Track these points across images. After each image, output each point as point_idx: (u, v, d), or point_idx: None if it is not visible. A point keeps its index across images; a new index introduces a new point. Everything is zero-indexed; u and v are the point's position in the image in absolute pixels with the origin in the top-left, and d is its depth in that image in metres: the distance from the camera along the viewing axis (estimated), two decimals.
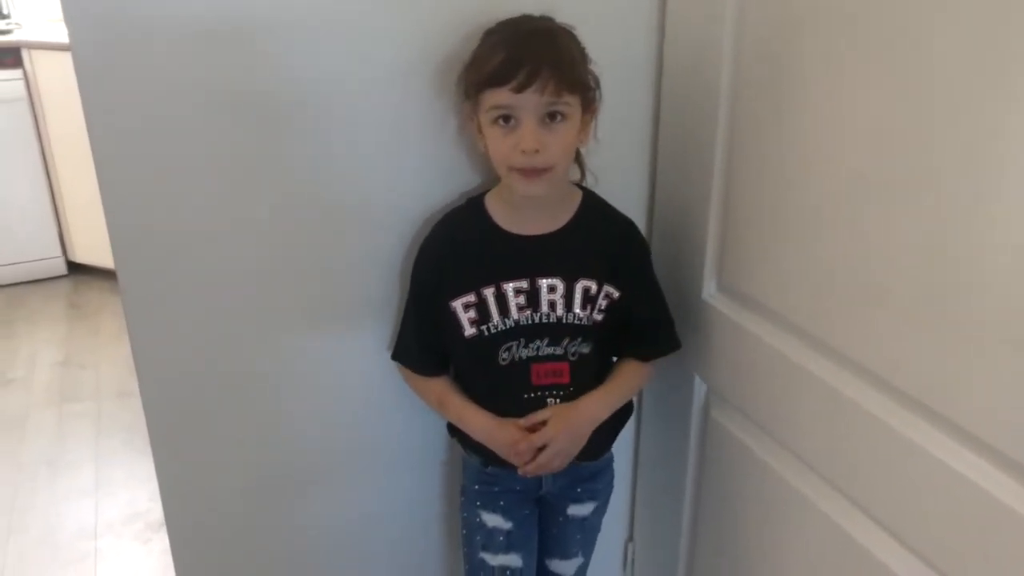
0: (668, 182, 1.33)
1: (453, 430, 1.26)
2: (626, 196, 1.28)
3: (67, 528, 2.19)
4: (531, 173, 1.05)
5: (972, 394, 0.84)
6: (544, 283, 1.12)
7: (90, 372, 2.96)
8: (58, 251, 3.64)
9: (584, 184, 1.21)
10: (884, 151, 0.90)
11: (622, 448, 1.49)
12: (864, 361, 0.98)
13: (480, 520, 1.23)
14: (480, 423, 1.16)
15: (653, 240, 1.35)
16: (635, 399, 1.47)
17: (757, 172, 1.12)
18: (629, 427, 1.49)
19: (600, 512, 1.30)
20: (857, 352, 0.99)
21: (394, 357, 1.24)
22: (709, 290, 1.26)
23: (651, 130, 1.33)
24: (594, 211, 1.17)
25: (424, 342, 1.19)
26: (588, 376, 1.17)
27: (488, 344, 1.13)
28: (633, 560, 1.63)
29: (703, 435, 1.34)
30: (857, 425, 0.99)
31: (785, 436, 1.14)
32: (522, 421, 1.14)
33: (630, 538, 1.63)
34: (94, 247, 3.50)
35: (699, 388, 1.32)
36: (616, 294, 1.15)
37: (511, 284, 1.12)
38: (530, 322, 1.13)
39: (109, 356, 3.05)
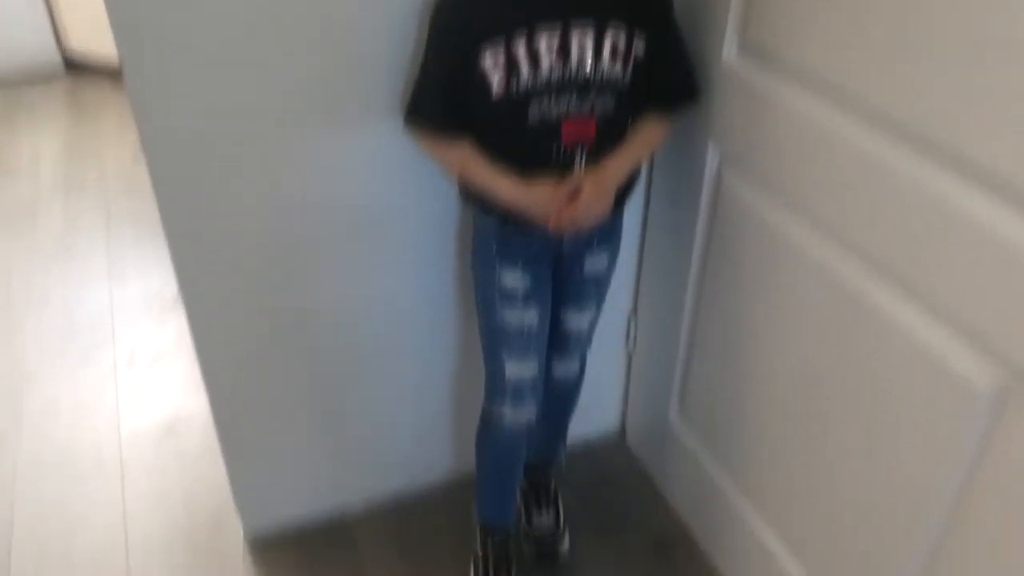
0: None
1: (467, 195, 1.24)
2: None
3: (86, 309, 2.25)
4: None
5: (999, 135, 0.81)
6: (576, 30, 1.07)
7: (95, 165, 2.94)
8: (53, 46, 3.52)
9: None
10: None
11: (632, 219, 1.49)
12: (890, 109, 0.94)
13: (498, 279, 1.24)
14: (510, 187, 1.15)
15: None
16: (645, 171, 1.46)
17: None
18: (639, 197, 1.49)
19: (612, 265, 1.33)
20: (887, 104, 0.95)
21: (412, 118, 1.18)
22: (729, 50, 1.20)
23: None
24: None
25: (448, 99, 1.14)
26: (612, 133, 1.16)
27: (518, 102, 1.09)
28: (635, 333, 1.67)
29: (713, 203, 1.32)
30: (880, 182, 0.97)
31: (801, 200, 1.12)
32: (560, 193, 1.12)
33: (634, 312, 1.66)
34: (89, 38, 3.39)
35: (712, 155, 1.29)
36: (643, 48, 1.12)
37: (544, 32, 1.06)
38: (561, 76, 1.09)
39: (113, 150, 3.01)
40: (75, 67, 3.59)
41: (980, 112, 0.84)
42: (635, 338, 1.67)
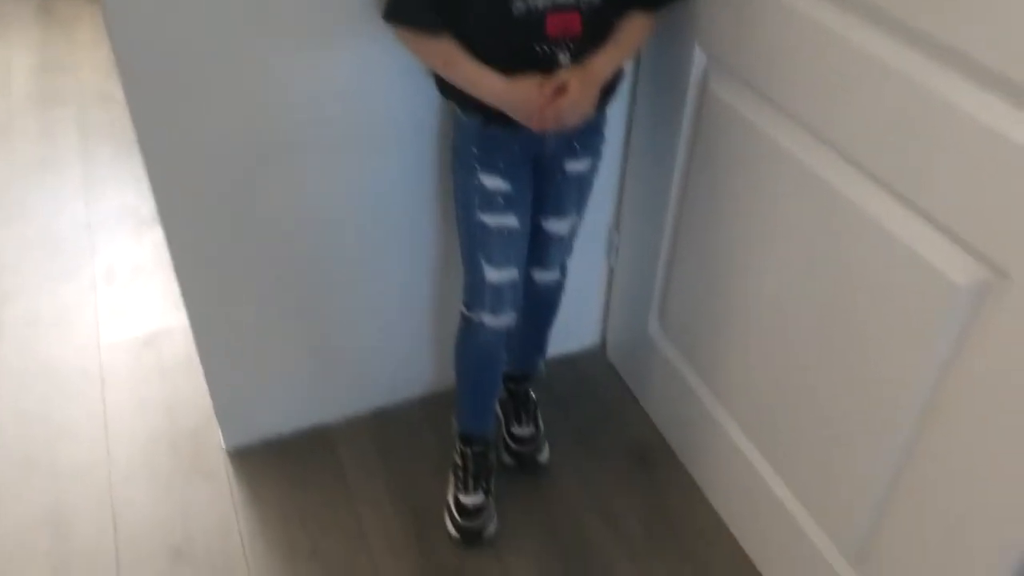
0: None
1: (448, 91, 1.20)
2: None
3: (64, 223, 2.22)
4: None
5: (985, 22, 0.79)
6: None
7: (70, 77, 2.85)
8: None
9: None
10: None
11: (615, 126, 1.46)
12: (880, 4, 0.91)
13: (478, 182, 1.22)
14: (495, 84, 1.12)
15: None
16: (631, 77, 1.42)
17: None
18: (622, 102, 1.46)
19: (594, 169, 1.30)
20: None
21: (393, 15, 1.13)
22: None
23: None
24: None
25: None
26: (597, 29, 1.12)
27: None
28: (618, 246, 1.66)
29: (698, 107, 1.29)
30: (873, 81, 0.94)
31: (787, 101, 1.09)
32: (546, 90, 1.09)
33: (616, 225, 1.64)
34: None
35: (699, 58, 1.26)
36: None
37: None
38: None
39: (88, 62, 2.92)
40: None
41: (967, 3, 0.80)
42: (617, 250, 1.66)
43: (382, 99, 1.30)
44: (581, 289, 1.69)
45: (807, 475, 1.26)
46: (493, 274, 1.28)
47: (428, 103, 1.32)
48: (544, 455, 1.60)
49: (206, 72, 1.18)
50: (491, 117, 1.15)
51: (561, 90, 1.09)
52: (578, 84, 1.10)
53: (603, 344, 1.84)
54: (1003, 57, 0.79)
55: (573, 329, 1.76)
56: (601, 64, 1.13)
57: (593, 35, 1.12)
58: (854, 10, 0.96)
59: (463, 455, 1.50)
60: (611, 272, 1.71)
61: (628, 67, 1.38)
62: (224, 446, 1.63)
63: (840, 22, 0.98)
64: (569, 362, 1.81)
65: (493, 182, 1.21)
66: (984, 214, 0.85)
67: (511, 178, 1.22)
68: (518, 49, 1.09)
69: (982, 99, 0.82)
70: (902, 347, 1.00)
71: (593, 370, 1.81)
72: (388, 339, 1.61)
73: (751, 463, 1.37)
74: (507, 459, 1.59)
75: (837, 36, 0.98)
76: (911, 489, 1.05)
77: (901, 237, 0.96)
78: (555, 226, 1.33)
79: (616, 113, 1.46)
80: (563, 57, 1.10)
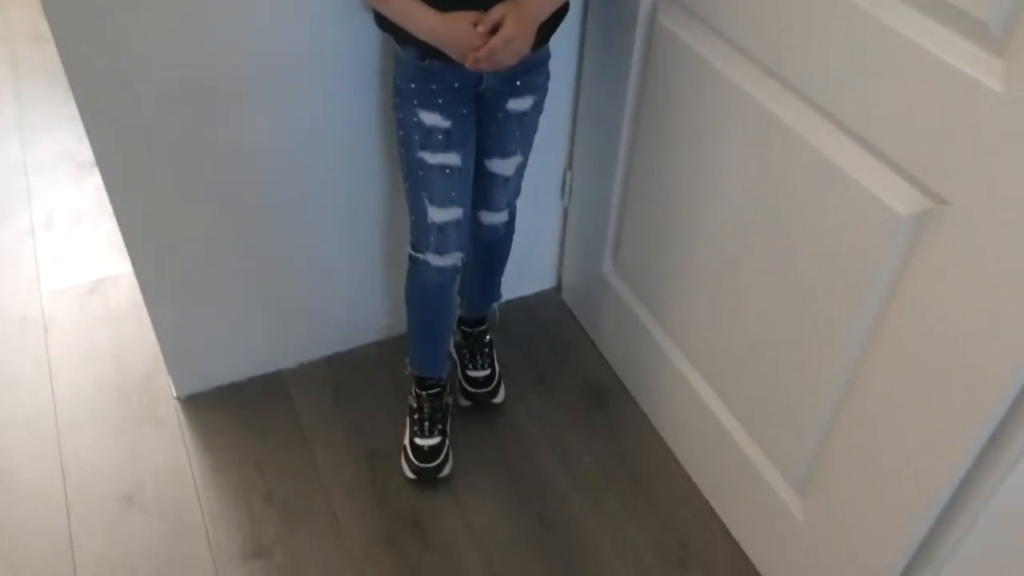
0: None
1: (385, 24, 1.17)
2: None
3: None
4: None
5: None
6: None
7: None
8: None
9: None
10: None
11: (564, 70, 1.44)
12: None
13: (418, 119, 1.19)
14: (427, 18, 1.08)
15: None
16: (579, 17, 1.40)
17: None
18: (572, 42, 1.44)
19: (537, 109, 1.28)
20: None
21: None
22: None
23: None
24: None
25: None
26: None
27: None
28: (571, 187, 1.65)
29: (647, 43, 1.28)
30: (813, 9, 0.93)
31: (734, 34, 1.08)
32: (480, 28, 1.06)
33: (568, 166, 1.63)
34: None
35: None
36: None
37: None
38: None
39: (16, 2, 2.78)
40: None
41: None
42: (570, 191, 1.65)
43: (322, 35, 1.25)
44: (537, 231, 1.68)
45: (755, 409, 1.28)
46: (436, 213, 1.26)
47: (368, 39, 1.28)
48: (500, 397, 1.60)
49: (138, 7, 1.13)
50: (428, 51, 1.12)
51: (496, 28, 1.06)
52: (513, 22, 1.06)
53: (559, 286, 1.84)
54: None
55: (528, 271, 1.75)
56: (538, 1, 1.10)
57: None
58: None
59: (418, 398, 1.50)
60: (565, 213, 1.71)
61: (575, 1, 1.35)
62: (175, 394, 1.60)
63: None
64: (525, 304, 1.81)
65: (432, 118, 1.19)
66: (925, 143, 0.86)
67: (451, 115, 1.19)
68: None
69: (924, 25, 0.82)
70: (845, 280, 1.01)
71: (548, 311, 1.81)
72: (337, 283, 1.59)
73: (702, 399, 1.39)
74: (463, 401, 1.60)
75: None
76: (853, 419, 1.08)
77: (845, 168, 0.96)
78: (499, 166, 1.31)
79: (566, 49, 1.43)
80: None
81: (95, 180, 2.04)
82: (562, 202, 1.68)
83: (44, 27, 1.10)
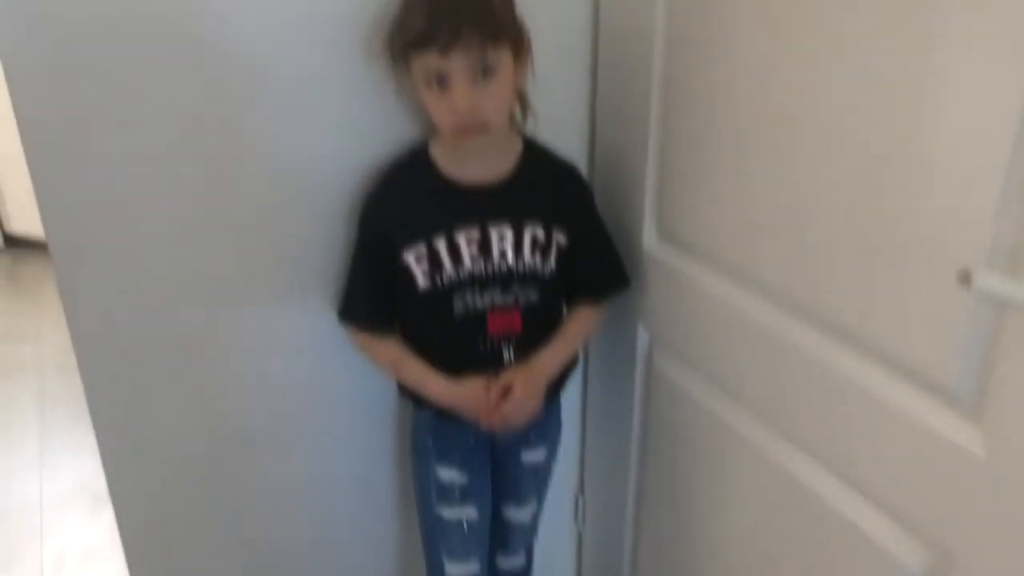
0: (607, 128, 1.33)
1: (402, 388, 1.25)
2: (565, 143, 1.28)
3: (12, 503, 2.15)
4: (470, 130, 1.05)
5: (903, 323, 0.87)
6: (494, 231, 1.12)
7: (31, 346, 2.89)
8: None
9: (528, 123, 1.21)
10: (811, 89, 0.92)
11: (571, 402, 1.51)
12: (796, 295, 1.00)
13: (435, 475, 1.23)
14: (440, 387, 1.16)
15: (594, 188, 1.34)
16: (581, 353, 1.49)
17: (692, 114, 1.13)
18: (577, 381, 1.51)
19: (552, 457, 1.32)
20: (788, 287, 1.01)
21: (343, 317, 1.21)
22: (649, 238, 1.27)
23: (589, 76, 1.32)
24: (537, 156, 1.18)
25: (376, 299, 1.17)
26: (538, 324, 1.19)
27: (442, 295, 1.13)
28: (583, 512, 1.66)
29: (647, 384, 1.36)
30: (792, 363, 1.01)
31: (724, 380, 1.16)
32: (491, 395, 1.14)
33: (580, 491, 1.65)
34: (31, 217, 3.38)
35: (642, 337, 1.34)
36: (564, 241, 1.16)
37: (463, 233, 1.11)
38: (484, 271, 1.13)
39: (50, 329, 2.97)
40: (14, 242, 3.58)
41: (881, 301, 0.89)
42: (583, 516, 1.66)
43: (341, 388, 1.32)
44: (552, 555, 1.66)
45: None
46: (454, 568, 1.26)
47: (385, 394, 1.34)
48: None
49: (157, 345, 1.20)
50: (443, 411, 1.18)
51: (507, 392, 1.13)
52: (523, 386, 1.13)
53: None
54: (923, 358, 0.86)
55: None
56: (547, 360, 1.18)
57: (536, 329, 1.18)
58: (771, 300, 1.04)
59: None
60: (580, 536, 1.70)
61: (579, 352, 1.44)
62: None
63: (759, 310, 1.06)
64: None
65: (449, 474, 1.22)
66: (926, 500, 0.88)
67: (467, 469, 1.23)
68: (462, 347, 1.15)
69: (907, 393, 0.88)
70: None
71: None
72: None
73: None
74: None
75: (759, 323, 1.06)
76: None
77: (847, 517, 0.98)
78: (515, 514, 1.33)
79: (572, 384, 1.51)
80: (507, 353, 1.15)
81: (109, 514, 2.04)
82: (576, 526, 1.68)
83: (73, 358, 1.17)
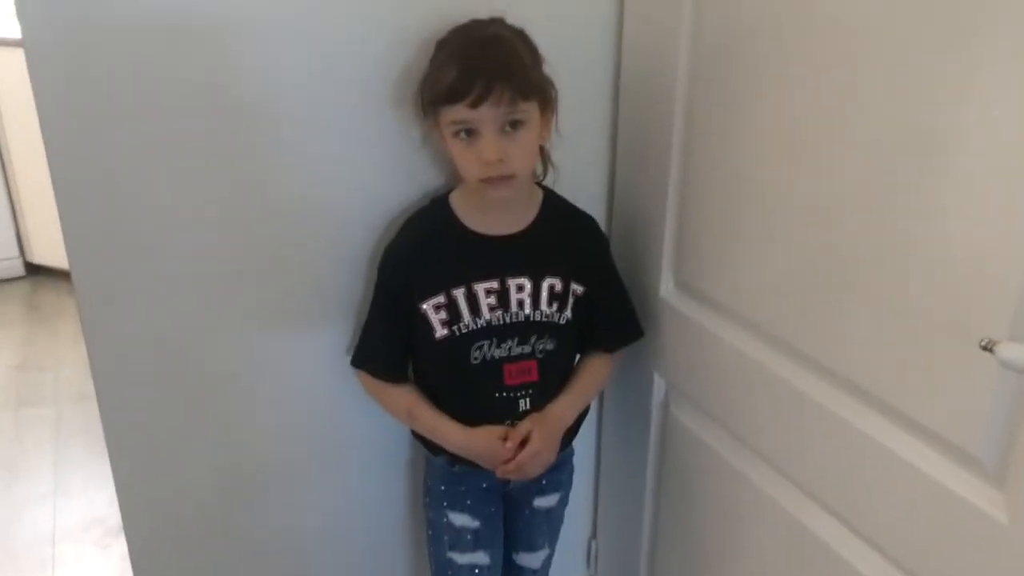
0: (626, 180, 1.35)
1: (416, 433, 1.26)
2: (586, 195, 1.29)
3: (24, 534, 2.15)
4: (497, 181, 1.06)
5: (927, 389, 0.86)
6: (513, 283, 1.13)
7: (49, 375, 2.90)
8: (16, 252, 3.56)
9: (548, 178, 1.22)
10: (838, 151, 0.92)
11: (585, 447, 1.50)
12: (818, 356, 1.00)
13: (447, 520, 1.23)
14: (456, 435, 1.16)
15: (612, 238, 1.36)
16: (595, 400, 1.49)
17: (713, 171, 1.14)
18: (591, 426, 1.51)
19: (563, 503, 1.32)
20: (811, 348, 1.01)
21: (357, 364, 1.21)
22: (667, 287, 1.27)
23: (610, 130, 1.34)
24: (556, 209, 1.19)
25: (392, 348, 1.18)
26: (555, 373, 1.19)
27: (460, 345, 1.13)
28: (597, 556, 1.64)
29: (663, 432, 1.35)
30: (813, 420, 1.01)
31: (742, 432, 1.15)
32: (508, 444, 1.14)
33: (593, 535, 1.64)
34: (53, 248, 3.43)
35: (658, 385, 1.34)
36: (581, 290, 1.17)
37: (482, 284, 1.12)
38: (501, 322, 1.13)
39: (68, 359, 2.99)
40: (36, 269, 3.62)
41: (904, 365, 0.88)
42: (596, 561, 1.64)
43: (356, 429, 1.33)
44: None
45: None
46: None
47: (399, 437, 1.35)
48: None
49: (181, 387, 1.21)
50: (457, 458, 1.19)
51: (523, 442, 1.13)
52: (539, 436, 1.13)
53: None
54: (946, 422, 0.86)
55: None
56: (562, 409, 1.18)
57: (552, 378, 1.18)
58: (787, 354, 1.04)
59: None
60: None
61: (592, 401, 1.44)
62: None
63: (775, 363, 1.06)
64: None
65: (462, 519, 1.22)
66: (946, 563, 0.88)
67: (480, 515, 1.23)
68: (479, 396, 1.15)
69: (929, 458, 0.87)
70: None
71: None
72: None
73: None
74: None
75: (775, 376, 1.05)
76: None
77: (862, 571, 0.97)
78: (527, 560, 1.32)
79: (585, 430, 1.50)
80: (523, 403, 1.16)
81: (120, 547, 2.04)
82: (588, 571, 1.67)
83: (90, 387, 1.18)
